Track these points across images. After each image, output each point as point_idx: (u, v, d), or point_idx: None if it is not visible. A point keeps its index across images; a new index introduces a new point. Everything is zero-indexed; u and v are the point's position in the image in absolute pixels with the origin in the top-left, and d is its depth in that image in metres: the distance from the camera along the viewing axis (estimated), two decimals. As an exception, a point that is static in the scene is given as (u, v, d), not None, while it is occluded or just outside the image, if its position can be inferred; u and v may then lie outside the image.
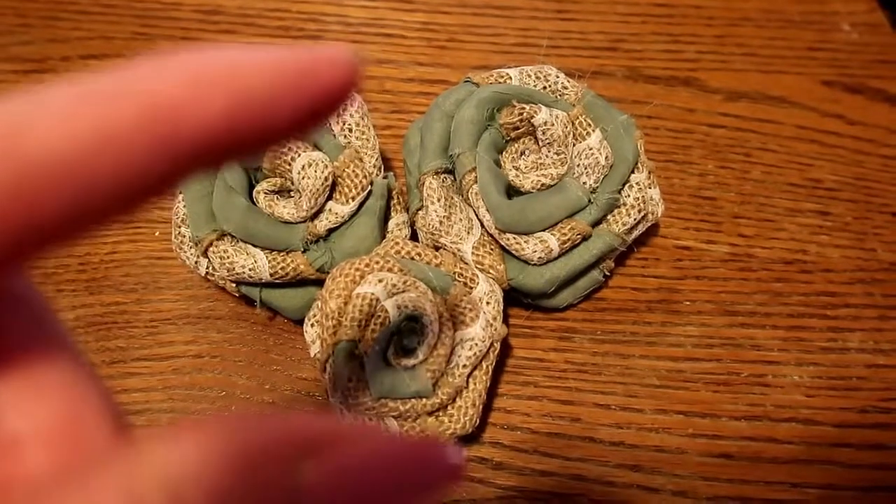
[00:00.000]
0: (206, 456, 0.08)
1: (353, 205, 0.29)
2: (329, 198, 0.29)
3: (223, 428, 0.09)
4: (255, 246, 0.29)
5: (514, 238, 0.29)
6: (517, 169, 0.31)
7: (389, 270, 0.27)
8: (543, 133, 0.30)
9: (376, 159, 0.30)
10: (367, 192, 0.29)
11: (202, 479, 0.08)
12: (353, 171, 0.29)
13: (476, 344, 0.27)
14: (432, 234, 0.30)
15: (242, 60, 0.09)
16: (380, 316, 0.26)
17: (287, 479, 0.08)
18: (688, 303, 0.33)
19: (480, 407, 0.28)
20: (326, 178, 0.28)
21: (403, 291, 0.27)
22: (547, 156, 0.30)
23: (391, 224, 0.31)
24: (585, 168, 0.30)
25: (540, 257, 0.29)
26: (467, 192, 0.30)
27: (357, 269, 0.27)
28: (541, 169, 0.30)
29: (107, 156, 0.09)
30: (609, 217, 0.30)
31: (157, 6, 0.41)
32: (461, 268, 0.29)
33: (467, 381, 0.27)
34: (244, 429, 0.09)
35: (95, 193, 0.09)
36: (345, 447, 0.09)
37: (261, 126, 0.09)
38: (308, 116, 0.10)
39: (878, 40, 0.43)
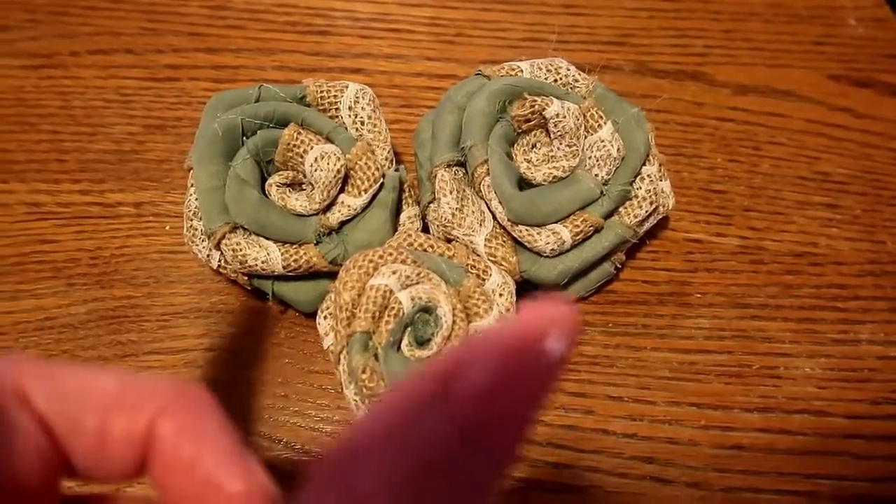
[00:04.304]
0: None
1: (365, 197, 0.29)
2: (341, 190, 0.29)
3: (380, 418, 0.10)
4: (267, 238, 0.29)
5: (527, 230, 0.29)
6: (529, 161, 0.31)
7: (403, 262, 0.27)
8: (555, 125, 0.30)
9: (388, 152, 0.30)
10: (379, 184, 0.29)
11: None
12: (366, 163, 0.29)
13: (490, 335, 0.27)
14: (444, 226, 0.30)
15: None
16: (394, 307, 0.26)
17: (438, 418, 0.10)
18: (699, 295, 0.33)
19: (494, 399, 0.28)
20: (339, 171, 0.28)
21: (417, 283, 0.27)
22: (559, 148, 0.30)
23: (403, 217, 0.31)
24: (597, 160, 0.30)
25: (553, 249, 0.29)
26: (479, 184, 0.30)
27: (370, 261, 0.27)
28: (552, 161, 0.30)
29: None
30: (621, 209, 0.30)
31: (164, 1, 0.41)
32: (474, 260, 0.29)
33: (481, 373, 0.27)
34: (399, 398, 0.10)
35: None
36: (468, 371, 0.10)
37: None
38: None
39: (885, 35, 0.43)
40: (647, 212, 0.30)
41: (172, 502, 0.13)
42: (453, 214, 0.29)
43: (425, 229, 0.32)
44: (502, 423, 0.10)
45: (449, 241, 0.30)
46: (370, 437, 0.10)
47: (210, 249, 0.29)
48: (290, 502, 0.11)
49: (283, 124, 0.29)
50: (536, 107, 0.30)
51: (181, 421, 0.13)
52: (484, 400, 0.10)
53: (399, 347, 0.27)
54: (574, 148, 0.30)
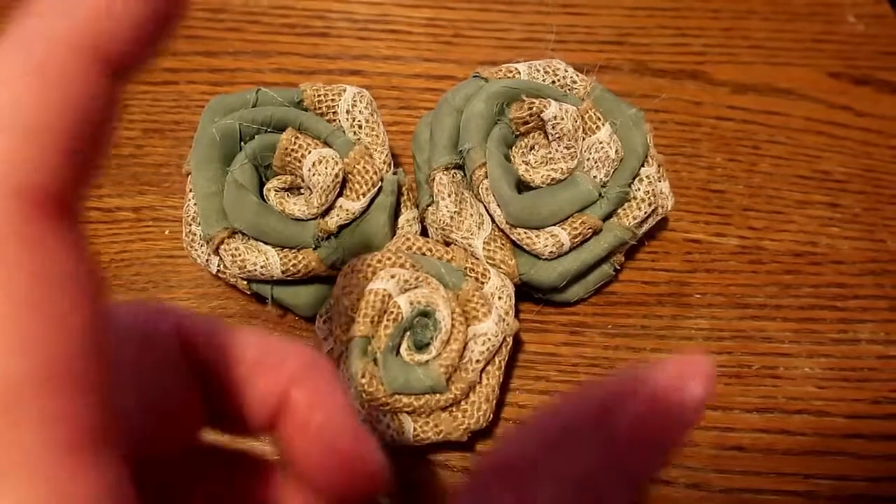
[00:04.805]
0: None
1: (363, 201, 0.29)
2: (339, 194, 0.29)
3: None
4: (266, 243, 0.29)
5: (526, 233, 0.29)
6: (527, 164, 0.31)
7: (401, 266, 0.27)
8: (553, 127, 0.30)
9: (386, 155, 0.30)
10: (377, 188, 0.29)
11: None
12: (364, 167, 0.29)
13: (489, 339, 0.27)
14: (443, 229, 0.30)
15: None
16: (392, 312, 0.26)
17: (599, 441, 0.11)
18: (698, 296, 0.33)
19: (494, 402, 0.28)
20: (337, 175, 0.28)
21: (416, 287, 0.27)
22: (557, 150, 0.30)
23: (401, 220, 0.31)
24: (595, 162, 0.30)
25: (551, 252, 0.29)
26: (478, 187, 0.30)
27: (369, 266, 0.27)
28: (551, 164, 0.30)
29: None
30: (619, 211, 0.30)
31: (162, 5, 0.41)
32: (472, 263, 0.29)
33: (480, 377, 0.27)
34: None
35: None
36: (626, 403, 0.11)
37: None
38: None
39: (884, 32, 0.43)
40: (645, 213, 0.30)
41: (295, 460, 0.14)
42: (452, 217, 0.29)
43: (424, 232, 0.32)
44: (647, 452, 0.11)
45: (447, 244, 0.30)
46: (540, 446, 0.12)
47: (209, 254, 0.29)
48: (462, 492, 0.12)
49: (280, 129, 0.29)
50: (534, 109, 0.30)
51: (312, 390, 0.14)
52: (637, 431, 0.11)
53: (398, 352, 0.27)
54: (572, 150, 0.30)
